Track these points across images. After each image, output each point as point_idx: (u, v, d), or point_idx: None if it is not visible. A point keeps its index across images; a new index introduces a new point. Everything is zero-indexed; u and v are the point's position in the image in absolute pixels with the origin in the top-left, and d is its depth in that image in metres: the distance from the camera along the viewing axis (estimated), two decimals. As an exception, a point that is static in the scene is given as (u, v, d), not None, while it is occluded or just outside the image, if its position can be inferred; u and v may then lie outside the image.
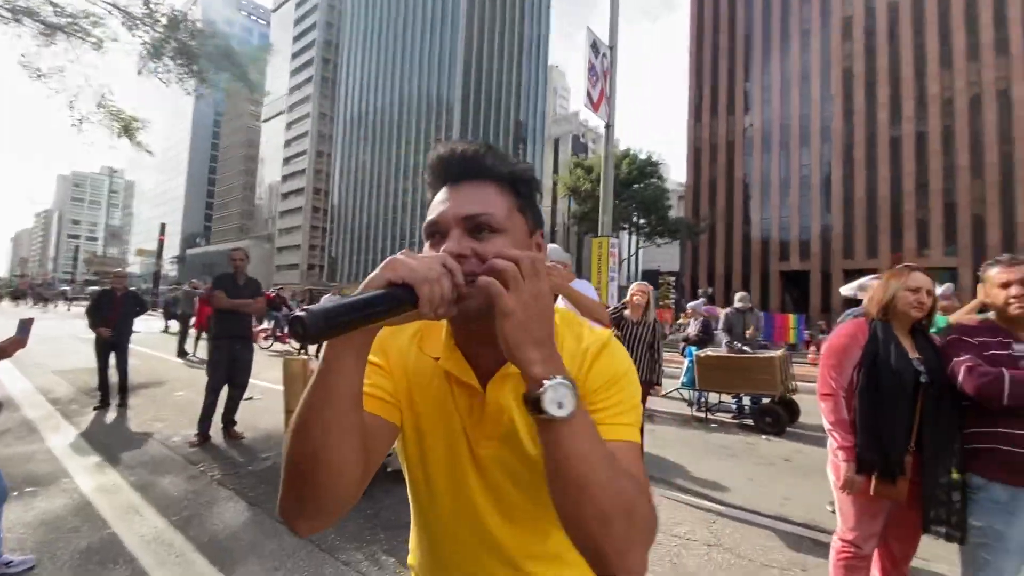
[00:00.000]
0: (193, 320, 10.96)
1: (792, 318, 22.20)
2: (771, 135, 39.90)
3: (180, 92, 10.71)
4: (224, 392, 4.79)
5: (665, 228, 33.48)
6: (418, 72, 64.90)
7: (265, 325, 13.06)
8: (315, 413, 0.54)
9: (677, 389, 7.18)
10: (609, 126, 11.64)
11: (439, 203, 0.67)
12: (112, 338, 5.84)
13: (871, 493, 1.99)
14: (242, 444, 4.59)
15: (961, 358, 1.91)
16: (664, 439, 5.42)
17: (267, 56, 18.13)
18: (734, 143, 41.94)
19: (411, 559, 0.83)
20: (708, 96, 43.63)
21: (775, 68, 40.18)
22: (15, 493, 3.21)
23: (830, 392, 2.14)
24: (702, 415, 6.56)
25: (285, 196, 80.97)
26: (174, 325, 13.64)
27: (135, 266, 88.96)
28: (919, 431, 1.99)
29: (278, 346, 12.66)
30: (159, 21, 9.49)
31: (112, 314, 5.89)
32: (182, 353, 10.37)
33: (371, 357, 0.68)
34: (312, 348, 11.29)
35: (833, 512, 3.58)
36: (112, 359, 5.88)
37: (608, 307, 4.82)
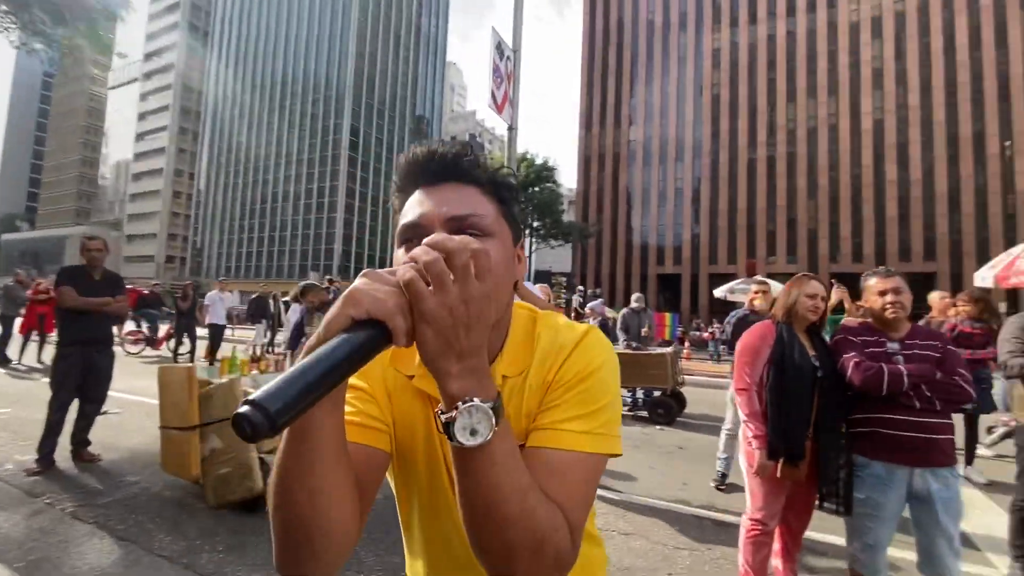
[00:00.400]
0: (19, 322, 9.05)
1: (668, 317, 24.52)
2: (651, 150, 43.67)
3: None
4: (74, 407, 4.00)
5: (559, 231, 35.01)
6: (304, 53, 60.58)
7: (132, 327, 11.33)
8: (297, 482, 0.48)
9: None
10: (512, 128, 11.86)
11: (416, 204, 0.60)
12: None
13: (778, 476, 2.22)
14: (99, 468, 3.87)
15: (849, 355, 2.21)
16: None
17: (121, 12, 15.58)
18: (620, 155, 45.24)
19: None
20: (598, 109, 46.52)
21: (656, 88, 44.00)
22: None
23: (745, 387, 2.36)
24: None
25: (138, 177, 70.73)
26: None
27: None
28: (816, 419, 2.26)
29: (153, 350, 11.08)
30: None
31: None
32: (4, 361, 8.53)
33: (351, 379, 0.58)
34: (200, 350, 9.97)
35: (717, 488, 4.00)
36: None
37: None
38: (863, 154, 36.07)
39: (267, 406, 0.33)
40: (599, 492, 3.83)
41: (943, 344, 2.19)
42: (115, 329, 5.25)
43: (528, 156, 32.87)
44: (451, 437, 0.47)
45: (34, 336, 9.07)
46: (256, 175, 61.74)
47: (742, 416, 2.35)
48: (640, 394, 6.91)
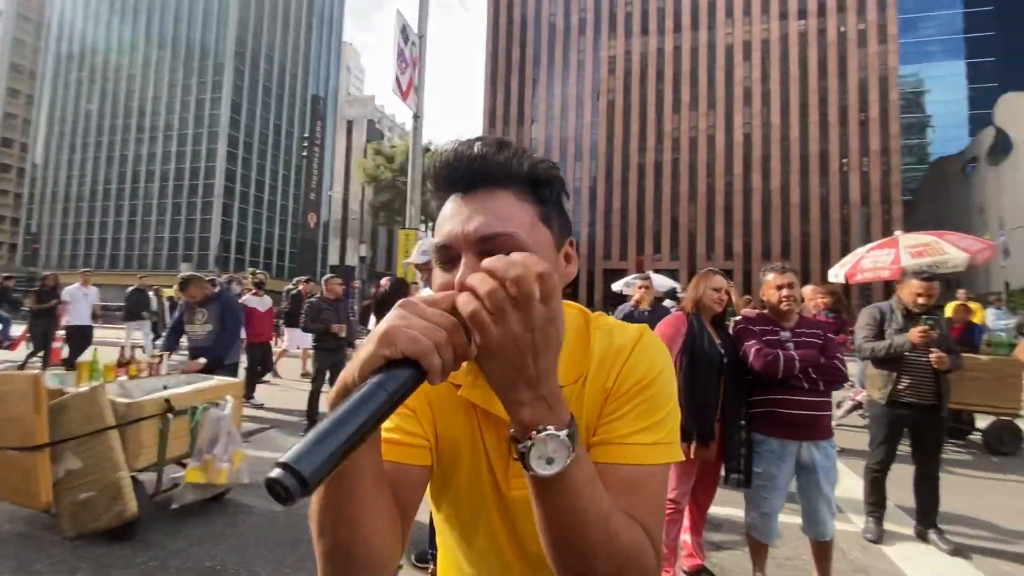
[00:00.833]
0: None
1: (567, 310, 25.63)
2: (552, 148, 45.11)
3: None
4: None
5: (462, 224, 34.76)
6: (174, 13, 53.59)
7: None
8: (335, 512, 0.49)
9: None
10: (418, 117, 11.52)
11: (445, 219, 0.56)
12: None
13: (691, 456, 2.38)
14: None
15: (750, 343, 2.42)
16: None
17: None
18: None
19: None
20: (502, 105, 47.00)
21: (557, 90, 45.49)
22: None
23: (661, 375, 2.49)
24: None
25: (-49, 144, 58.14)
26: None
27: None
28: (722, 402, 2.45)
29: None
30: None
31: None
32: None
33: None
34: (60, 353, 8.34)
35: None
36: None
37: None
38: (735, 164, 40.49)
39: (301, 470, 0.32)
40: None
41: (824, 332, 2.48)
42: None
43: (432, 147, 32.24)
44: (527, 467, 0.45)
45: None
46: (112, 150, 53.63)
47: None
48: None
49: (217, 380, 3.47)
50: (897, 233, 5.97)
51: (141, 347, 8.22)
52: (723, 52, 41.67)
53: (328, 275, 7.00)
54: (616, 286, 12.04)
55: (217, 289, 4.34)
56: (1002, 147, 28.81)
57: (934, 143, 54.06)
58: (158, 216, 52.46)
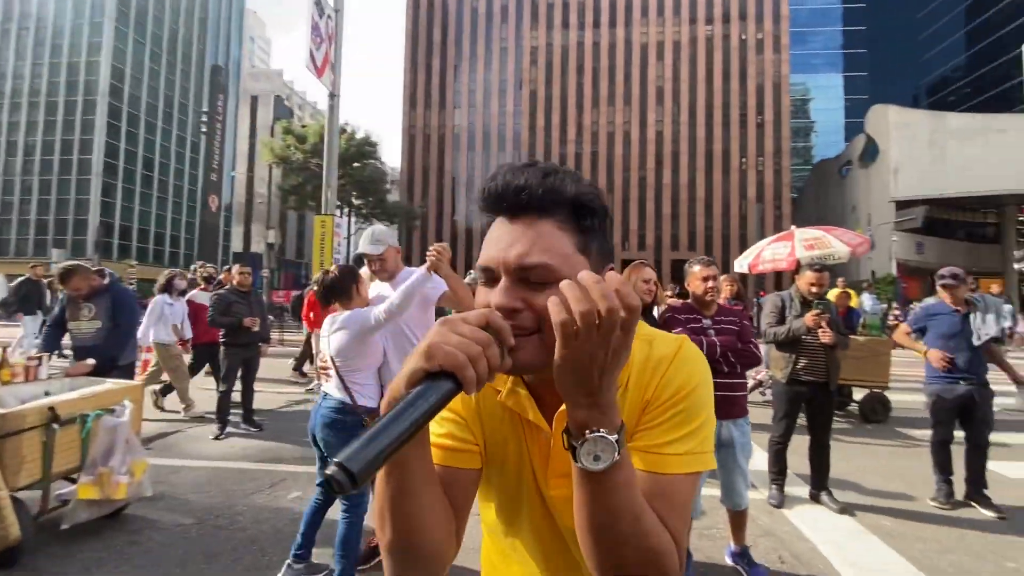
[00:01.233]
0: None
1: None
2: (475, 136, 44.77)
3: None
4: None
5: (383, 211, 33.60)
6: (40, -40, 46.24)
7: None
8: (393, 507, 0.56)
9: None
10: (335, 96, 10.88)
11: (491, 243, 0.61)
12: None
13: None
14: None
15: (677, 330, 2.57)
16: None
17: None
18: (444, 137, 45.30)
19: None
20: (423, 87, 45.68)
21: (479, 76, 45.02)
22: None
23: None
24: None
25: None
26: None
27: None
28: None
29: None
30: None
31: None
32: None
33: None
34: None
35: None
36: None
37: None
38: (648, 159, 42.61)
39: (351, 468, 0.39)
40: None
41: (740, 320, 2.69)
42: None
43: (348, 128, 30.68)
44: (576, 459, 0.51)
45: None
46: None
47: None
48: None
49: (111, 383, 3.10)
50: (792, 228, 6.63)
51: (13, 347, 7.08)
52: (639, 51, 43.45)
53: (235, 263, 6.50)
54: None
55: (106, 281, 3.85)
56: (871, 153, 32.90)
57: (816, 147, 60.32)
58: (22, 195, 45.53)
